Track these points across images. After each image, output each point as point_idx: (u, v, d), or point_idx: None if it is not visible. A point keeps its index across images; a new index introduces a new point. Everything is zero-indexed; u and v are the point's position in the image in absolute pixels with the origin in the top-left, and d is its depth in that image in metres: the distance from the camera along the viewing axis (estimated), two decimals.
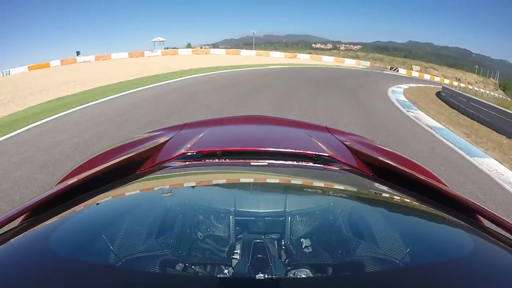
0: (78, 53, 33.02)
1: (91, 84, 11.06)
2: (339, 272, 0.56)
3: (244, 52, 36.62)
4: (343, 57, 43.27)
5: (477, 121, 8.50)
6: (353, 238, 0.62)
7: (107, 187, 0.75)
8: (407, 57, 61.15)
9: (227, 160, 0.98)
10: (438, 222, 0.68)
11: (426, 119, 7.82)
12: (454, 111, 10.23)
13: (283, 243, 0.62)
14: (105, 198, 0.71)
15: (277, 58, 32.79)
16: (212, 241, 0.62)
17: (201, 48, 53.05)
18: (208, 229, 0.65)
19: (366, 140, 1.42)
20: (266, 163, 0.95)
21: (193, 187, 0.83)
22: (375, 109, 8.64)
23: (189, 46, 57.41)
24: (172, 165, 0.94)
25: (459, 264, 0.48)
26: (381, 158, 1.02)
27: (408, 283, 0.45)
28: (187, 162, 0.96)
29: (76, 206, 0.65)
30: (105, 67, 20.38)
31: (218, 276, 0.53)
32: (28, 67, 27.69)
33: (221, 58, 28.78)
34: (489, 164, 4.75)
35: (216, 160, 0.99)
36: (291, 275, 0.53)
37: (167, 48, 38.68)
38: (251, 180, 0.88)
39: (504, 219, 0.63)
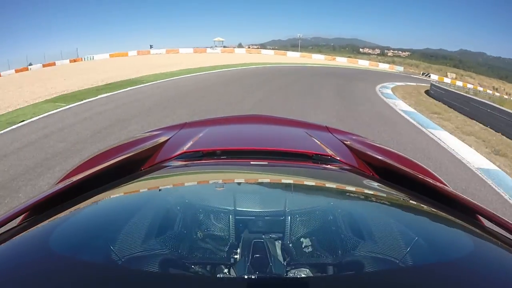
0: (151, 46, 40.51)
1: (179, 67, 17.44)
2: (339, 271, 0.56)
3: (290, 54, 41.66)
4: (385, 62, 45.55)
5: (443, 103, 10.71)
6: (353, 238, 0.63)
7: (107, 187, 0.75)
8: (457, 67, 59.64)
9: (227, 159, 0.99)
10: (438, 222, 0.67)
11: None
12: (430, 99, 12.08)
13: (283, 242, 0.62)
14: (105, 198, 0.71)
15: (317, 59, 37.26)
16: (212, 240, 0.62)
17: (249, 47, 58.63)
18: (208, 229, 0.66)
19: (366, 140, 1.41)
20: (266, 163, 0.95)
21: (193, 186, 0.83)
22: (363, 91, 12.06)
23: (240, 45, 63.25)
24: (172, 164, 0.94)
25: (459, 264, 0.48)
26: (381, 158, 1.01)
27: (407, 283, 0.44)
28: (187, 162, 0.96)
29: (76, 206, 0.65)
30: (179, 58, 26.98)
31: (218, 275, 0.53)
32: (110, 54, 33.99)
33: (270, 57, 34.41)
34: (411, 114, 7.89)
35: (216, 159, 0.99)
36: (291, 274, 0.53)
37: (225, 47, 45.53)
38: (251, 180, 0.88)
39: (504, 219, 0.62)
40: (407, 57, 73.77)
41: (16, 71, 23.80)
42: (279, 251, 0.59)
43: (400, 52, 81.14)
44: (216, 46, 43.36)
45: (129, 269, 0.51)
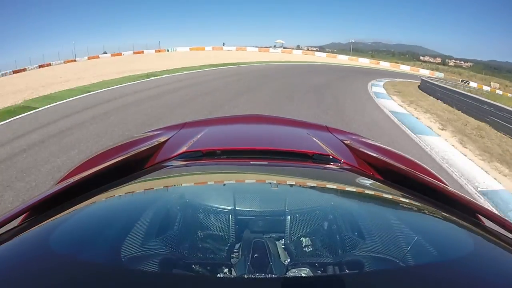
0: (223, 44, 50.06)
1: (249, 60, 24.12)
2: (339, 271, 0.57)
3: (340, 57, 46.83)
4: (441, 71, 47.02)
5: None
6: (353, 237, 0.64)
7: (107, 187, 0.75)
8: None
9: (227, 159, 0.99)
10: (438, 221, 0.67)
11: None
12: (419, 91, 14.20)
13: (283, 242, 0.63)
14: (105, 198, 0.71)
15: (362, 63, 42.00)
16: (213, 240, 0.63)
17: (308, 49, 63.37)
18: (209, 228, 0.66)
19: (366, 139, 1.39)
20: (266, 162, 0.96)
21: (193, 186, 0.84)
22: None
23: (298, 47, 68.69)
24: (172, 164, 0.94)
25: (459, 263, 0.48)
26: (381, 158, 1.00)
27: (408, 282, 0.45)
28: (187, 161, 0.96)
29: (76, 206, 0.65)
30: (244, 54, 34.62)
31: (218, 275, 0.53)
32: (190, 48, 42.82)
33: (321, 58, 40.54)
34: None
35: (216, 159, 1.00)
36: (291, 274, 0.54)
37: (285, 48, 52.64)
38: (251, 179, 0.88)
39: (504, 218, 0.62)
40: (469, 68, 71.94)
41: (89, 58, 32.88)
42: (279, 251, 0.59)
43: (462, 62, 78.86)
44: (276, 47, 50.79)
45: (130, 268, 0.50)
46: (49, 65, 28.21)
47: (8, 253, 0.49)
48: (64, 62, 30.33)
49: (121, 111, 6.96)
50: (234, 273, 0.53)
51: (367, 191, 0.83)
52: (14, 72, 24.04)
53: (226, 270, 0.54)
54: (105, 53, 38.07)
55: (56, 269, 0.44)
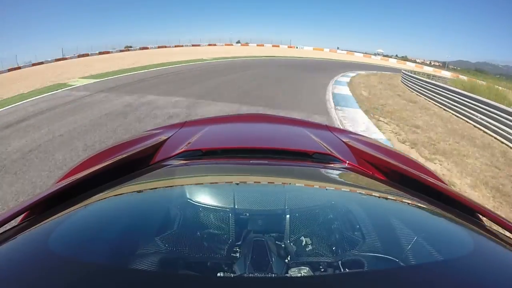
0: (338, 48, 61.08)
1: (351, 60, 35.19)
2: (339, 270, 0.57)
3: (444, 72, 51.12)
4: None
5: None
6: (353, 237, 0.64)
7: (107, 186, 0.75)
8: None
9: (227, 158, 0.99)
10: (438, 221, 0.67)
11: None
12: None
13: (283, 241, 0.63)
14: (105, 197, 0.71)
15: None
16: (213, 239, 0.63)
17: (430, 63, 61.24)
18: (209, 227, 0.66)
19: (366, 139, 1.39)
20: (266, 161, 0.96)
21: (193, 185, 0.83)
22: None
23: (404, 58, 65.91)
24: (172, 163, 0.94)
25: (459, 262, 0.48)
26: (381, 157, 1.00)
27: (407, 281, 0.45)
28: (188, 160, 0.96)
29: (76, 205, 0.65)
30: (350, 57, 46.12)
31: (218, 274, 0.53)
32: (313, 48, 53.66)
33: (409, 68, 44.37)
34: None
35: (217, 158, 1.00)
36: (292, 273, 0.54)
37: (385, 56, 61.00)
38: (252, 178, 0.88)
39: (504, 218, 0.63)
40: None
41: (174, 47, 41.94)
42: (279, 250, 0.59)
43: None
44: (377, 54, 60.64)
45: (129, 268, 0.50)
46: (146, 48, 37.16)
47: (7, 252, 0.49)
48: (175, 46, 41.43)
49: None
50: (234, 272, 0.53)
51: (367, 191, 0.83)
52: (101, 53, 29.59)
53: (226, 269, 0.55)
54: (238, 42, 56.49)
55: (55, 269, 0.44)
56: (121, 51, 33.46)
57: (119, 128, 5.11)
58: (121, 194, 0.75)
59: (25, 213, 0.65)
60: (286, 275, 0.53)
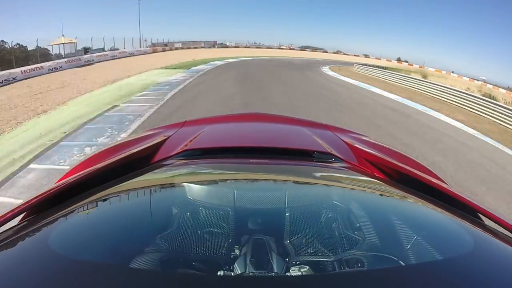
0: (399, 59, 53.56)
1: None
2: (339, 269, 0.57)
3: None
4: None
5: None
6: (353, 236, 0.65)
7: (107, 185, 0.75)
8: None
9: (228, 157, 0.99)
10: (439, 220, 0.68)
11: None
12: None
13: (283, 240, 0.63)
14: (105, 196, 0.71)
15: None
16: (213, 238, 0.63)
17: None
18: (209, 226, 0.67)
19: (366, 138, 1.39)
20: (267, 160, 0.96)
21: (193, 184, 0.82)
22: None
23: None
24: (172, 162, 0.94)
25: (459, 261, 0.49)
26: (381, 156, 1.00)
27: (408, 280, 0.45)
28: (188, 160, 0.96)
29: (76, 205, 0.65)
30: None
31: (219, 273, 0.53)
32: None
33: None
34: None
35: (217, 157, 1.00)
36: (291, 271, 0.54)
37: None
38: (252, 177, 0.88)
39: (504, 218, 0.63)
40: None
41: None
42: (279, 248, 0.59)
43: None
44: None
45: (129, 267, 0.50)
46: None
47: (7, 252, 0.49)
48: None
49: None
50: (234, 271, 0.53)
51: (367, 190, 0.84)
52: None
53: (226, 268, 0.55)
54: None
55: (56, 268, 0.44)
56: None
57: (242, 65, 18.04)
58: (121, 193, 0.75)
59: (25, 213, 0.65)
60: (286, 274, 0.53)
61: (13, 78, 11.92)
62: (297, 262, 0.57)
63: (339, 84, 14.05)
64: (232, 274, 0.53)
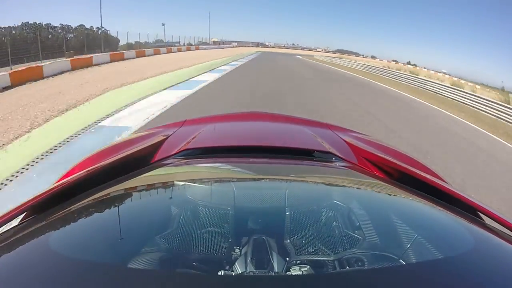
0: (408, 62, 57.39)
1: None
2: (339, 268, 0.57)
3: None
4: None
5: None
6: (353, 235, 0.64)
7: (107, 185, 0.75)
8: None
9: (228, 156, 1.00)
10: (439, 219, 0.68)
11: None
12: None
13: (283, 239, 0.63)
14: (105, 196, 0.71)
15: None
16: (213, 237, 0.63)
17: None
18: (209, 226, 0.66)
19: (367, 137, 1.39)
20: (266, 159, 0.97)
21: (193, 183, 0.83)
22: None
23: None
24: (172, 161, 0.94)
25: (460, 260, 0.49)
26: (381, 155, 1.01)
27: (408, 279, 0.45)
28: (188, 159, 0.97)
29: (76, 205, 0.65)
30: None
31: (219, 272, 0.53)
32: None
33: None
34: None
35: (217, 156, 1.01)
36: (292, 271, 0.54)
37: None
38: (252, 176, 0.89)
39: (504, 217, 0.63)
40: None
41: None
42: (279, 248, 0.59)
43: None
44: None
45: (130, 266, 0.51)
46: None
47: (8, 252, 0.49)
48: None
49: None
50: (234, 271, 0.54)
51: (367, 189, 0.84)
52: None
53: (226, 267, 0.55)
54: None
55: (56, 268, 0.44)
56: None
57: (259, 59, 28.34)
58: (122, 193, 0.75)
59: (25, 213, 0.65)
60: (287, 273, 0.53)
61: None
62: (298, 262, 0.57)
63: None
64: (232, 274, 0.53)
